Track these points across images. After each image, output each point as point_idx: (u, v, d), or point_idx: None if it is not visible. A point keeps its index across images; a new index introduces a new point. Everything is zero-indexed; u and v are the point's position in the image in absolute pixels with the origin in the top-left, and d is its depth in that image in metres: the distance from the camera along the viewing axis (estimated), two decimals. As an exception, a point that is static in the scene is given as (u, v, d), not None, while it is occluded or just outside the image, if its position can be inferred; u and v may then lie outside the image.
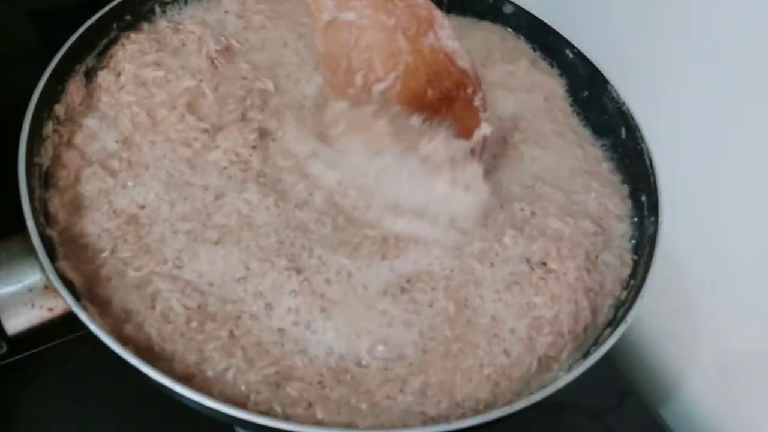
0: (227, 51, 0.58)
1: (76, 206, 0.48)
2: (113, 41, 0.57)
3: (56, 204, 0.48)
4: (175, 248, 0.47)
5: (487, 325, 0.47)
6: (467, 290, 0.48)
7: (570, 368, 0.45)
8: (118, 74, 0.55)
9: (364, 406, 0.43)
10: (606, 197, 0.56)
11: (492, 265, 0.50)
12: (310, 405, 0.42)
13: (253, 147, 0.53)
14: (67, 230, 0.47)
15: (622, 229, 0.55)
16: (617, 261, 0.53)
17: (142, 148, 0.52)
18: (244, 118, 0.54)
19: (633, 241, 0.54)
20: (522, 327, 0.47)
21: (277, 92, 0.57)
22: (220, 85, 0.56)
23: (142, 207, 0.49)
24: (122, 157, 0.51)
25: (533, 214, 0.53)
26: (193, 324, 0.44)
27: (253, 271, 0.47)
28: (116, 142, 0.52)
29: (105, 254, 0.46)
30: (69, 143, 0.51)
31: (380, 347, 0.45)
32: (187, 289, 0.45)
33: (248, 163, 0.52)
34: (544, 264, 0.50)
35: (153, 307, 0.44)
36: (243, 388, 0.42)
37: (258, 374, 0.43)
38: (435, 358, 0.45)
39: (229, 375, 0.43)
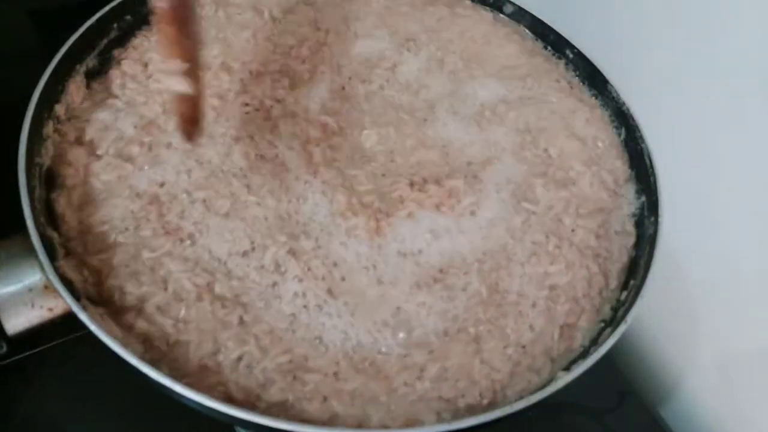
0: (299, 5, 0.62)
1: (89, 200, 0.49)
2: (123, 38, 0.58)
3: (62, 203, 0.48)
4: (192, 221, 0.48)
5: (514, 302, 0.48)
6: (498, 274, 0.49)
7: (570, 367, 0.45)
8: (145, 64, 0.57)
9: (380, 395, 0.43)
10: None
11: (525, 231, 0.52)
12: (325, 399, 0.42)
13: (278, 101, 0.56)
14: (80, 224, 0.47)
15: (631, 195, 0.57)
16: (621, 228, 0.54)
17: (168, 127, 0.53)
18: (281, 70, 0.58)
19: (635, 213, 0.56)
20: (541, 299, 0.49)
21: (329, 43, 0.61)
22: (274, 35, 0.59)
23: (162, 185, 0.50)
24: (143, 141, 0.52)
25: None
26: (204, 303, 0.45)
27: (257, 244, 0.48)
28: (135, 127, 0.53)
29: (127, 234, 0.47)
30: (77, 141, 0.52)
31: (402, 334, 0.45)
32: (197, 268, 0.46)
33: (270, 111, 0.55)
34: (560, 220, 0.52)
35: (165, 289, 0.45)
36: (259, 377, 0.43)
37: (272, 362, 0.43)
38: (459, 343, 0.46)
39: (244, 364, 0.43)
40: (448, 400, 0.44)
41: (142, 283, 0.45)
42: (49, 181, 0.49)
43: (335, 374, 0.44)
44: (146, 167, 0.51)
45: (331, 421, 0.42)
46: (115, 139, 0.52)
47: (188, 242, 0.47)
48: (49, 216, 0.47)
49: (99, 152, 0.51)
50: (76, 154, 0.51)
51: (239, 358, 0.43)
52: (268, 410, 0.41)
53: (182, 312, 0.44)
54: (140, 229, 0.47)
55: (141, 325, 0.43)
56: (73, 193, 0.49)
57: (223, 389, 0.42)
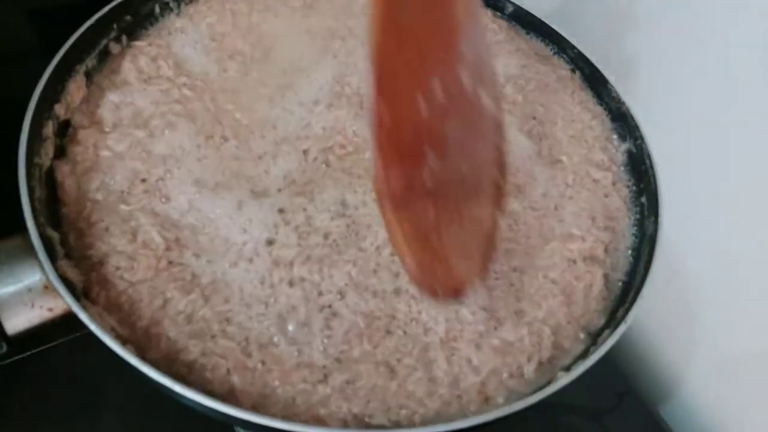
0: None
1: (95, 168, 0.50)
2: (123, 38, 0.58)
3: (65, 171, 0.49)
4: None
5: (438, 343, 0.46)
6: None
7: (570, 368, 0.45)
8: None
9: (277, 383, 0.43)
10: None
11: None
12: (228, 372, 0.43)
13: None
14: (78, 190, 0.48)
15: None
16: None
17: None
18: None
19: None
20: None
21: None
22: None
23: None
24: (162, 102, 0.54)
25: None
26: (173, 253, 0.46)
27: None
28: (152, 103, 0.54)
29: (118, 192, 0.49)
30: (91, 123, 0.52)
31: (290, 327, 0.45)
32: (166, 223, 0.48)
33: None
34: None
35: (134, 240, 0.46)
36: (191, 327, 0.43)
37: (212, 310, 0.44)
38: (363, 363, 0.44)
39: (184, 316, 0.44)
40: (356, 415, 0.42)
41: (110, 235, 0.46)
42: (61, 156, 0.50)
43: (246, 339, 0.44)
44: (165, 131, 0.52)
45: (228, 395, 0.42)
46: (129, 114, 0.53)
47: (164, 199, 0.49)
48: (48, 210, 0.47)
49: (106, 127, 0.52)
50: (86, 134, 0.51)
51: (182, 310, 0.44)
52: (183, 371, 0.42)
53: (138, 274, 0.45)
54: (133, 186, 0.49)
55: (101, 296, 0.44)
56: (79, 167, 0.50)
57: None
